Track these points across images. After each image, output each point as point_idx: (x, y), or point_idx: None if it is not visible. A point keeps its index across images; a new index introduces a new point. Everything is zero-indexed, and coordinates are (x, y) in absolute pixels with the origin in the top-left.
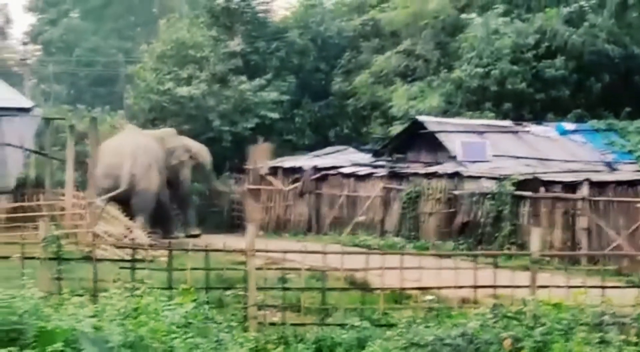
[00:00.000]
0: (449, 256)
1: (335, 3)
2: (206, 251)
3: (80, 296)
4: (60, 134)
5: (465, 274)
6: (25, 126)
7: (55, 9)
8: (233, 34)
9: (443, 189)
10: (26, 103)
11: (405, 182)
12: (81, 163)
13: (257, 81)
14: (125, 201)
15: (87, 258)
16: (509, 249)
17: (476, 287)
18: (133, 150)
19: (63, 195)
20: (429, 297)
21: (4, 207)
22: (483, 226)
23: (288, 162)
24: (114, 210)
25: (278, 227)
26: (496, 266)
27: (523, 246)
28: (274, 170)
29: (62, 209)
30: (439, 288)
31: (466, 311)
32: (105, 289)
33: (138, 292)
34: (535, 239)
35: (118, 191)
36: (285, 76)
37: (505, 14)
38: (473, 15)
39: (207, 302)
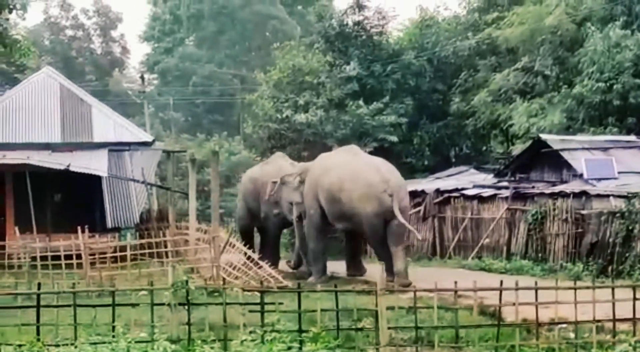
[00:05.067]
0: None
1: (450, 22)
2: (335, 291)
3: (212, 342)
4: (180, 164)
5: (602, 297)
6: (147, 160)
7: (170, 38)
8: (348, 58)
9: (570, 208)
10: (147, 137)
11: (530, 203)
12: (201, 192)
13: (374, 105)
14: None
15: (214, 293)
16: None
17: (615, 320)
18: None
19: (187, 228)
20: (563, 325)
21: (129, 243)
22: (612, 246)
23: (410, 185)
24: (236, 241)
25: None
26: (634, 296)
27: None
28: None
29: (186, 242)
30: (576, 323)
31: (605, 345)
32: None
33: (268, 337)
34: None
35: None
36: (402, 98)
37: (624, 26)
38: (592, 28)
39: (339, 346)
